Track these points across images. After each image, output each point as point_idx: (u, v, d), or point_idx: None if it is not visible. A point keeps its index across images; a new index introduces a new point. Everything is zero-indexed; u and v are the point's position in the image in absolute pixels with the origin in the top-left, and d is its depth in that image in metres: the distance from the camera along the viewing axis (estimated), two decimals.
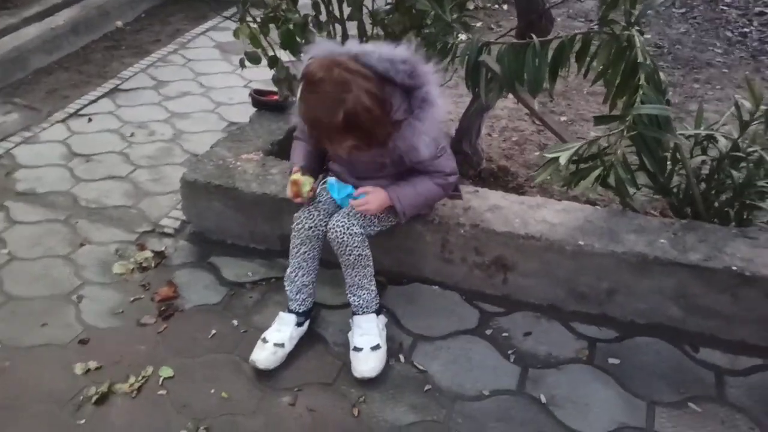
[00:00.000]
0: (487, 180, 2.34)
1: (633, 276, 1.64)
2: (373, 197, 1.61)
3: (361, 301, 1.67)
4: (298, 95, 1.47)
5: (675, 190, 1.85)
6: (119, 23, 3.99)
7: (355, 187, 1.65)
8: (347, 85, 1.41)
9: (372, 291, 1.68)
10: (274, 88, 2.49)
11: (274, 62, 1.96)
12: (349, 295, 1.69)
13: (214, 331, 1.78)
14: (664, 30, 3.84)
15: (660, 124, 1.40)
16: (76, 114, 2.94)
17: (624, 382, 1.58)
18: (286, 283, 1.72)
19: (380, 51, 1.47)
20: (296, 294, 1.69)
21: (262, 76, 3.25)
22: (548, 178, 1.52)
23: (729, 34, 3.84)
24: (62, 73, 3.37)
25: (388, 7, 1.66)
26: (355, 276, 1.65)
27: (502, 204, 1.80)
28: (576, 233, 1.68)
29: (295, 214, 1.68)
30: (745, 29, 3.90)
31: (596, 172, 1.46)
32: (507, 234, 1.70)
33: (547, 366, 1.64)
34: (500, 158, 2.47)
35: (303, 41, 1.79)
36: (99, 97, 3.09)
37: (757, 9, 4.20)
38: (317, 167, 1.73)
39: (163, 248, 2.10)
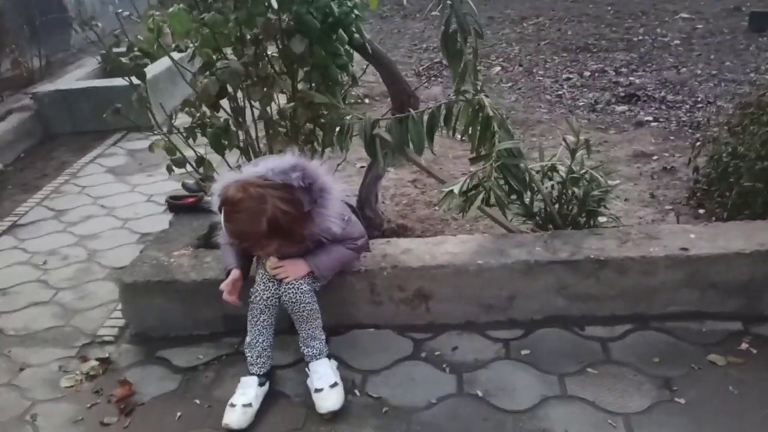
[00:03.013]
0: (390, 237, 2.71)
1: (524, 281, 2.06)
2: (291, 266, 1.89)
3: (314, 351, 1.91)
4: (222, 219, 1.74)
5: (537, 212, 2.34)
6: (0, 165, 4.02)
7: None
8: (263, 198, 1.70)
9: (323, 340, 1.94)
10: (185, 193, 2.75)
11: (200, 162, 2.22)
12: (303, 348, 1.93)
13: (179, 414, 1.90)
14: (499, 100, 4.62)
15: (515, 155, 1.88)
16: None
17: (537, 366, 1.95)
18: (246, 350, 1.92)
19: (271, 166, 1.73)
20: (257, 358, 1.90)
21: (161, 189, 3.48)
22: (448, 208, 1.93)
23: (548, 97, 4.72)
24: None
25: (291, 104, 2.04)
26: (308, 329, 1.90)
27: (411, 246, 2.17)
28: (474, 256, 2.08)
29: (252, 289, 1.91)
30: (560, 92, 4.81)
31: (480, 196, 1.90)
32: (422, 267, 2.06)
33: (476, 368, 1.97)
34: (397, 218, 2.87)
35: (227, 142, 2.09)
36: None
37: (564, 76, 5.21)
38: (248, 263, 1.98)
39: (106, 355, 2.18)
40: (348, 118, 2.04)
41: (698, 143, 2.91)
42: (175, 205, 2.65)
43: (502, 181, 1.93)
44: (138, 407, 1.95)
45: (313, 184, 1.77)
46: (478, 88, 1.90)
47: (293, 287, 1.86)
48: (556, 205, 2.31)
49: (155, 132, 2.25)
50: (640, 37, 6.29)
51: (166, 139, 2.28)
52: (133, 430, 1.86)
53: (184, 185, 2.82)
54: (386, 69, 2.27)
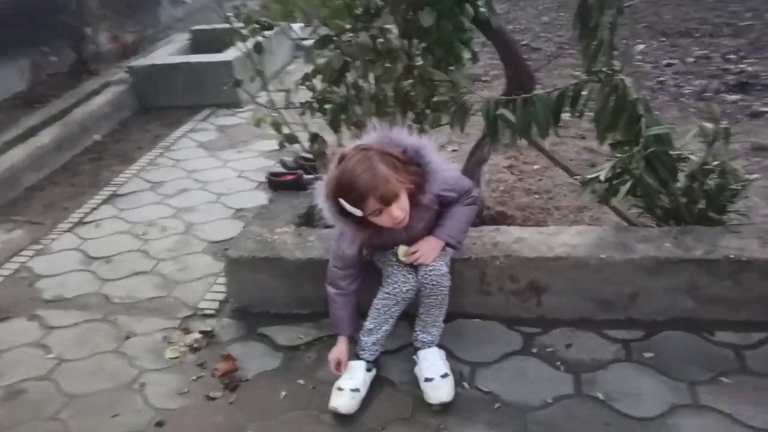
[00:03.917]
0: (489, 225, 2.60)
1: (649, 278, 1.91)
2: (426, 247, 1.80)
3: (431, 338, 1.85)
4: (342, 207, 1.65)
5: (660, 204, 2.16)
6: (97, 136, 4.16)
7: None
8: (362, 150, 1.65)
9: (442, 327, 1.87)
10: (283, 170, 2.73)
11: (314, 139, 2.17)
12: (419, 333, 1.86)
13: (284, 393, 1.88)
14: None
15: (664, 142, 1.73)
16: (81, 222, 3.03)
17: (663, 371, 1.80)
18: (363, 335, 1.86)
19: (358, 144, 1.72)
20: (371, 345, 1.84)
21: (251, 165, 3.49)
22: (590, 195, 1.80)
23: (649, 83, 4.43)
24: (54, 187, 3.46)
25: (409, 81, 1.95)
26: (436, 314, 1.83)
27: (524, 236, 2.06)
28: (595, 249, 1.94)
29: (388, 280, 1.81)
30: (661, 78, 4.51)
31: (627, 185, 1.75)
32: (538, 259, 1.94)
33: (595, 369, 1.84)
34: (495, 205, 2.75)
35: (345, 117, 2.02)
36: (99, 205, 3.20)
37: (665, 61, 4.89)
38: (359, 318, 1.90)
39: (209, 328, 2.19)
40: (468, 97, 1.93)
41: None
42: (275, 182, 2.63)
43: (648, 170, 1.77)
44: (242, 383, 1.94)
45: (406, 149, 1.70)
46: (616, 68, 1.75)
47: (434, 270, 1.78)
48: (683, 199, 2.12)
49: (269, 107, 2.21)
50: (749, 22, 5.82)
51: (275, 114, 2.24)
52: (238, 406, 1.85)
53: (282, 162, 2.80)
54: (507, 47, 2.14)
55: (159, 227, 2.92)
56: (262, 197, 3.07)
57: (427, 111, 2.22)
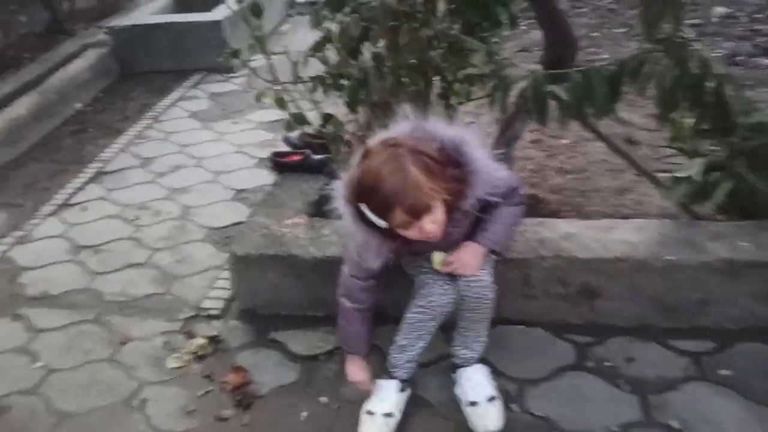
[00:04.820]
0: None
1: (723, 283, 1.67)
2: (467, 255, 1.51)
3: (474, 354, 1.61)
4: (363, 215, 1.36)
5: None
6: (78, 105, 3.80)
7: None
8: (394, 145, 1.34)
9: (486, 341, 1.62)
10: (287, 149, 2.44)
11: (327, 119, 1.87)
12: (460, 349, 1.62)
13: (305, 413, 1.64)
14: (615, 48, 4.07)
15: (764, 132, 1.45)
16: (65, 204, 2.73)
17: (745, 393, 1.57)
18: (395, 352, 1.61)
19: (384, 137, 1.41)
20: (405, 362, 1.60)
21: (249, 139, 3.19)
22: (681, 195, 1.54)
23: None
24: (33, 164, 3.14)
25: (439, 51, 1.65)
26: (479, 328, 1.59)
27: (573, 230, 1.80)
28: (659, 248, 1.69)
29: (422, 292, 1.54)
30: None
31: (725, 187, 1.48)
32: (593, 260, 1.69)
33: (663, 390, 1.61)
34: (526, 187, 2.48)
35: (364, 95, 1.72)
36: (84, 184, 2.89)
37: (688, 21, 4.57)
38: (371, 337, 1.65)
39: (215, 333, 1.94)
40: (509, 70, 1.64)
41: None
42: (280, 163, 2.33)
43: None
44: (256, 400, 1.70)
45: (443, 144, 1.37)
46: (687, 36, 1.46)
47: (477, 282, 1.50)
48: None
49: (271, 81, 1.89)
50: None
51: (277, 88, 1.93)
52: (254, 427, 1.62)
53: (286, 139, 2.50)
54: (549, 9, 1.84)
55: (152, 211, 2.63)
56: (264, 176, 2.79)
57: (456, 85, 1.93)
